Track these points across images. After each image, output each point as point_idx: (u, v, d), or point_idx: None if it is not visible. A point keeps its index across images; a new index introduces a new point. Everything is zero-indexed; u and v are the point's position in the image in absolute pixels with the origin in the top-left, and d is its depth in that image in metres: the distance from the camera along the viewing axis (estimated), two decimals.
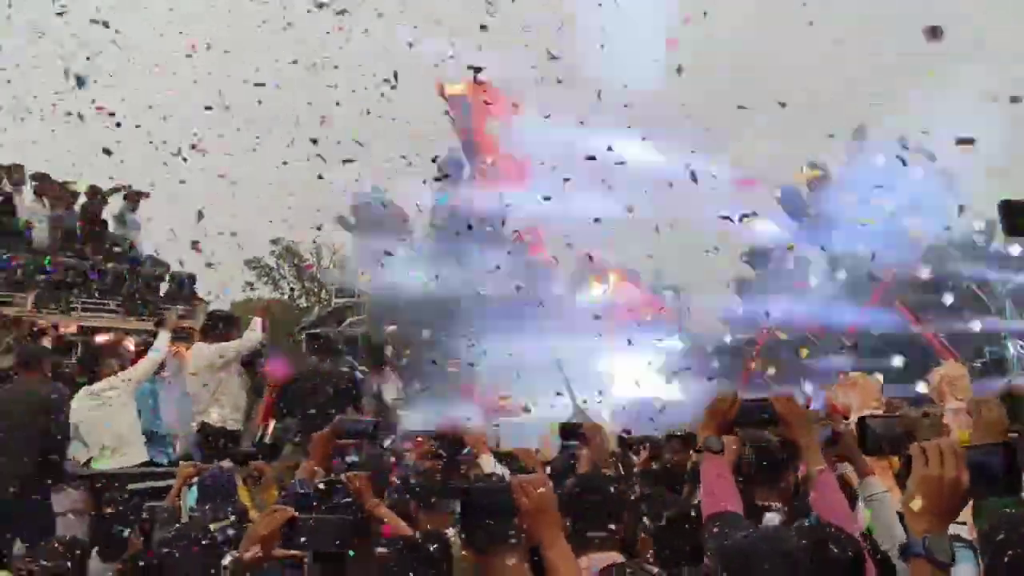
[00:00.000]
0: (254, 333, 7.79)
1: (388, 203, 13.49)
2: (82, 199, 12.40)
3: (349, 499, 3.08)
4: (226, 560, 2.54)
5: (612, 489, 3.36)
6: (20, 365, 6.62)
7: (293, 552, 2.40)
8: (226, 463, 6.21)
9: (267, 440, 8.03)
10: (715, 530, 2.83)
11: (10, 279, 10.93)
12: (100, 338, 7.73)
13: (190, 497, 5.39)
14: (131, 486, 6.76)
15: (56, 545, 3.57)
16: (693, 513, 3.32)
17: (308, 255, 29.32)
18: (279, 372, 7.83)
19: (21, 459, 6.10)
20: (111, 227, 12.63)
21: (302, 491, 3.13)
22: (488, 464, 4.61)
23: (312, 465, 3.40)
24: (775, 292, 13.98)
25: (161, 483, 6.55)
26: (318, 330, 8.65)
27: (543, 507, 2.33)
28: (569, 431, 4.99)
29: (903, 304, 12.96)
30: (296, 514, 2.42)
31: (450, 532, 3.38)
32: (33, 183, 11.85)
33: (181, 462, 6.27)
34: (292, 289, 28.58)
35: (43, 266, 11.09)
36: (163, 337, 7.63)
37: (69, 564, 3.52)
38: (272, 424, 8.29)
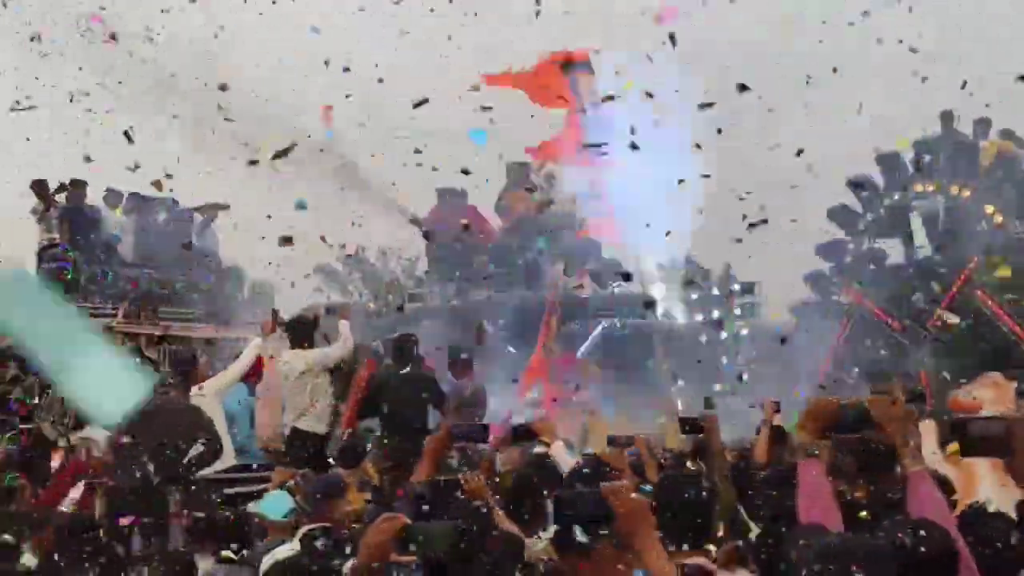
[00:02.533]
0: (348, 339, 7.97)
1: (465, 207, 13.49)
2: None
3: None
4: (346, 567, 2.62)
5: (698, 490, 3.30)
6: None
7: (408, 557, 2.46)
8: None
9: (349, 445, 8.26)
10: (802, 541, 2.83)
11: (103, 292, 11.44)
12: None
13: (282, 502, 5.54)
14: (226, 490, 7.05)
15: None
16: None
17: (375, 260, 29.60)
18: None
19: (173, 467, 6.40)
20: (193, 239, 13.10)
21: (420, 494, 3.23)
22: (560, 452, 4.61)
23: (427, 468, 3.50)
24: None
25: (255, 488, 6.81)
26: (398, 334, 8.73)
27: (637, 513, 2.33)
28: (690, 424, 4.94)
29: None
30: (408, 521, 2.48)
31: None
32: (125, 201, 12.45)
33: (276, 467, 6.45)
34: (360, 294, 28.95)
35: (130, 278, 11.58)
36: (254, 344, 7.86)
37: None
38: (355, 429, 8.51)
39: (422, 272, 17.35)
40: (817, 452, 3.03)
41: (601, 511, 2.36)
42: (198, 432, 6.63)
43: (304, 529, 4.63)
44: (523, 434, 5.01)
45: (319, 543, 4.25)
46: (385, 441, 7.71)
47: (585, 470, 4.19)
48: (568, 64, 12.71)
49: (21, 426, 9.81)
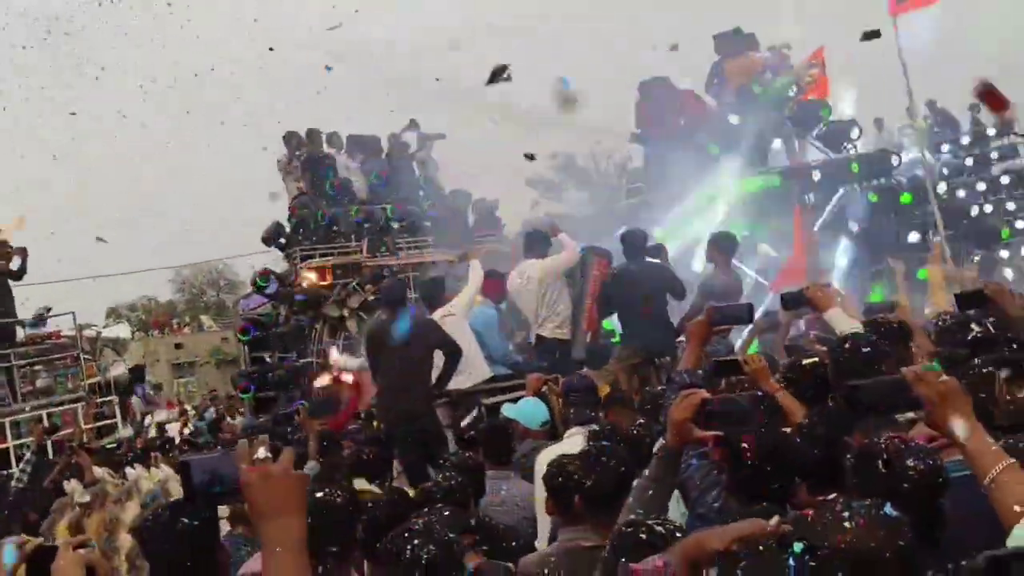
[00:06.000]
0: (571, 245, 8.04)
1: (674, 90, 12.80)
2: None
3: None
4: (657, 446, 2.64)
5: None
6: (388, 304, 7.27)
7: (712, 434, 2.44)
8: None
9: (595, 346, 8.35)
10: None
11: (344, 231, 12.31)
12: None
13: (539, 410, 5.68)
14: (485, 401, 7.38)
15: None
16: None
17: (588, 163, 29.64)
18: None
19: (419, 381, 6.84)
20: (415, 170, 13.68)
21: (688, 380, 3.20)
22: (839, 319, 4.23)
23: (693, 354, 3.45)
24: None
25: (509, 396, 7.06)
26: (624, 229, 8.57)
27: (948, 396, 2.12)
28: (969, 298, 4.38)
29: None
30: (707, 395, 2.45)
31: None
32: (347, 143, 13.21)
33: (528, 375, 6.63)
34: (577, 200, 29.11)
35: (368, 214, 12.35)
36: (475, 266, 8.10)
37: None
38: (596, 330, 8.58)
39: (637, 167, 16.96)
40: None
41: (905, 399, 2.18)
42: (436, 347, 6.94)
43: (582, 430, 4.68)
44: (793, 302, 4.70)
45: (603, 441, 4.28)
46: (627, 337, 7.71)
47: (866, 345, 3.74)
48: None
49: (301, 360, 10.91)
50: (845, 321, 4.09)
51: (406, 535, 2.33)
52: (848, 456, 2.43)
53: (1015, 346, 3.45)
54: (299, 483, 1.70)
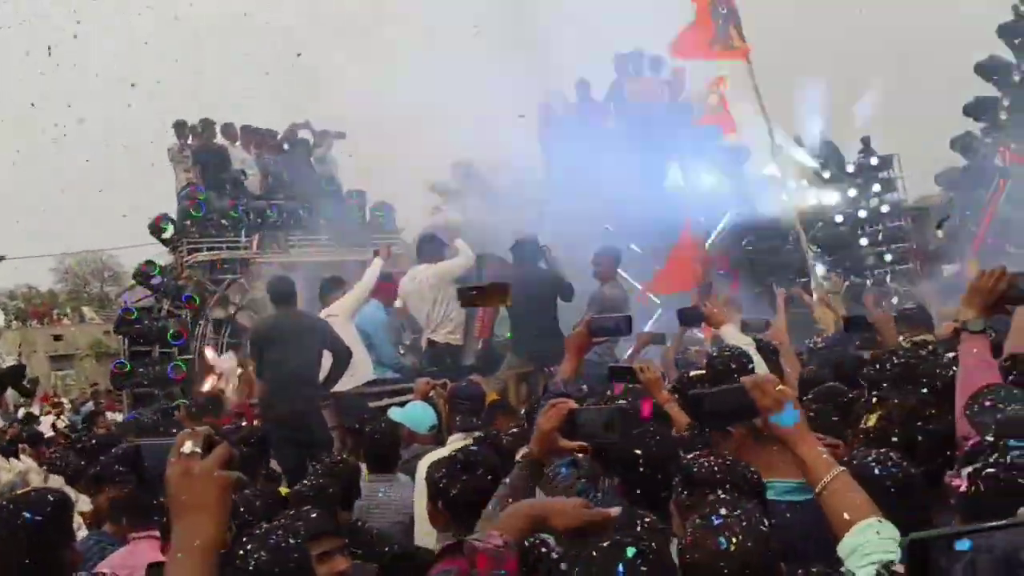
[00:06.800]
0: (467, 251, 8.00)
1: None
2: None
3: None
4: (519, 454, 2.62)
5: None
6: (275, 301, 6.99)
7: (578, 444, 2.43)
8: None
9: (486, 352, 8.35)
10: (987, 404, 2.65)
11: (235, 225, 11.92)
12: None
13: (427, 414, 5.63)
14: (371, 404, 7.28)
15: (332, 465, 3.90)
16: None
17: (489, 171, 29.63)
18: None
19: (306, 381, 6.62)
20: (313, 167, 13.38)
21: (564, 390, 3.19)
22: (731, 334, 4.40)
23: (570, 364, 3.45)
24: None
25: (397, 399, 6.99)
26: (522, 238, 8.60)
27: (784, 404, 2.20)
28: (856, 323, 4.62)
29: None
30: (575, 405, 2.44)
31: None
32: (242, 135, 12.78)
33: (417, 379, 6.57)
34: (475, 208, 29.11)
35: (261, 210, 11.98)
36: (375, 266, 7.99)
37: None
38: (489, 337, 8.59)
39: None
40: (979, 328, 2.89)
41: (743, 406, 2.25)
42: (325, 347, 6.77)
43: (465, 436, 4.65)
44: (690, 318, 4.88)
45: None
46: (517, 345, 7.73)
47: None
48: None
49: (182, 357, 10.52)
50: (737, 337, 4.25)
51: (243, 540, 2.23)
52: (676, 473, 2.49)
53: (876, 367, 3.62)
54: (221, 483, 1.61)
